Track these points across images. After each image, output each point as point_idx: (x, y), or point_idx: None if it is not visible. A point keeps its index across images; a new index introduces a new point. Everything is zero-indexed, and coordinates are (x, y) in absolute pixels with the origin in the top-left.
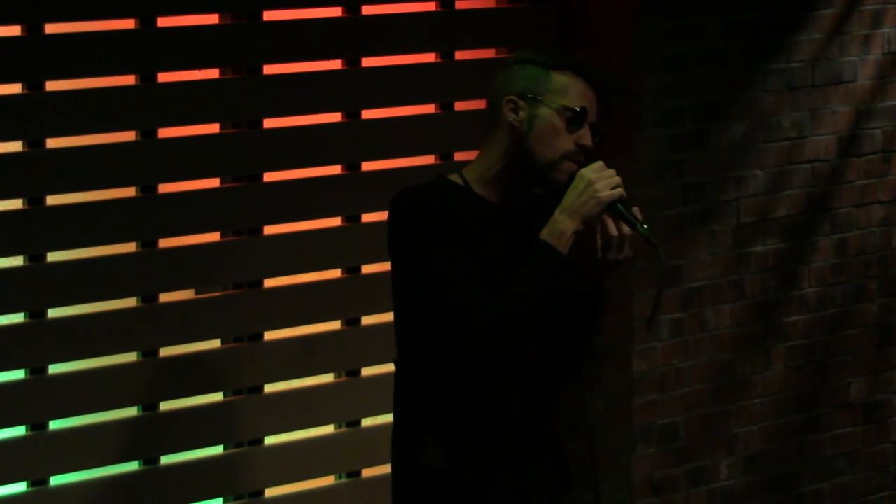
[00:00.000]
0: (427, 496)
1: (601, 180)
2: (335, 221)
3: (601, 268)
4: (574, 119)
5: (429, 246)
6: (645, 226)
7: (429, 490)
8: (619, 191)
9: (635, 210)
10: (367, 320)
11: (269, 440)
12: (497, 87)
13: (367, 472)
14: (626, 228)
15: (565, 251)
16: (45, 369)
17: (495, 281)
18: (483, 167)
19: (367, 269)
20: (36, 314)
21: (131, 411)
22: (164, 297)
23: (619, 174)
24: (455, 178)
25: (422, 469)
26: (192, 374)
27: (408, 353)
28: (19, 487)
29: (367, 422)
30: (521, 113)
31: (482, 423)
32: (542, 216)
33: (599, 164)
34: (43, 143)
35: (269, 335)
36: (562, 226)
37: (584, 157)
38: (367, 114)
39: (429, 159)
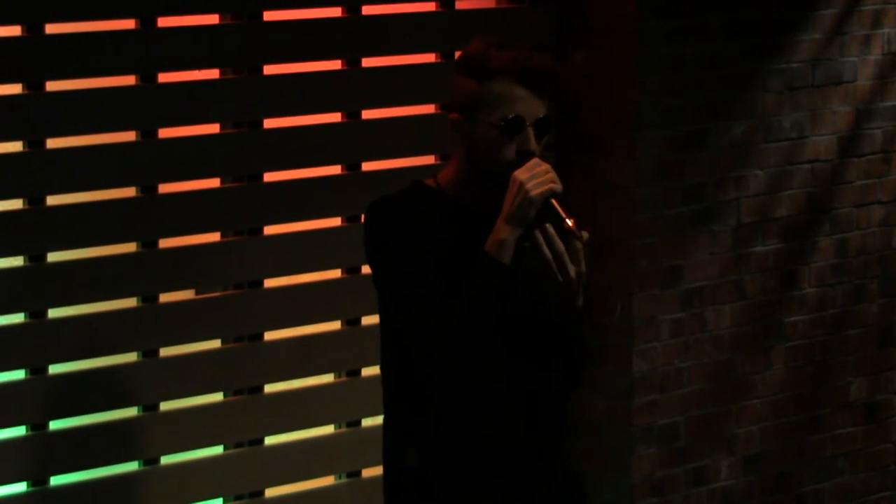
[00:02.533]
0: (410, 497)
1: (532, 179)
2: (335, 221)
3: (565, 294)
4: (509, 128)
5: (396, 263)
6: (570, 220)
7: (411, 491)
8: (551, 186)
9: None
10: (367, 320)
11: (269, 440)
12: (448, 96)
13: (367, 472)
14: (559, 246)
15: (507, 259)
16: (45, 369)
17: (461, 285)
18: (453, 172)
19: (367, 269)
20: (36, 314)
21: (131, 411)
22: (164, 297)
23: (618, 174)
24: (430, 182)
25: (405, 470)
26: (192, 374)
27: (387, 356)
28: (19, 487)
29: (367, 422)
30: (463, 130)
31: (458, 427)
32: None
33: (534, 161)
34: (43, 143)
35: (269, 335)
36: (502, 234)
37: (530, 160)
38: (367, 114)
39: (429, 159)
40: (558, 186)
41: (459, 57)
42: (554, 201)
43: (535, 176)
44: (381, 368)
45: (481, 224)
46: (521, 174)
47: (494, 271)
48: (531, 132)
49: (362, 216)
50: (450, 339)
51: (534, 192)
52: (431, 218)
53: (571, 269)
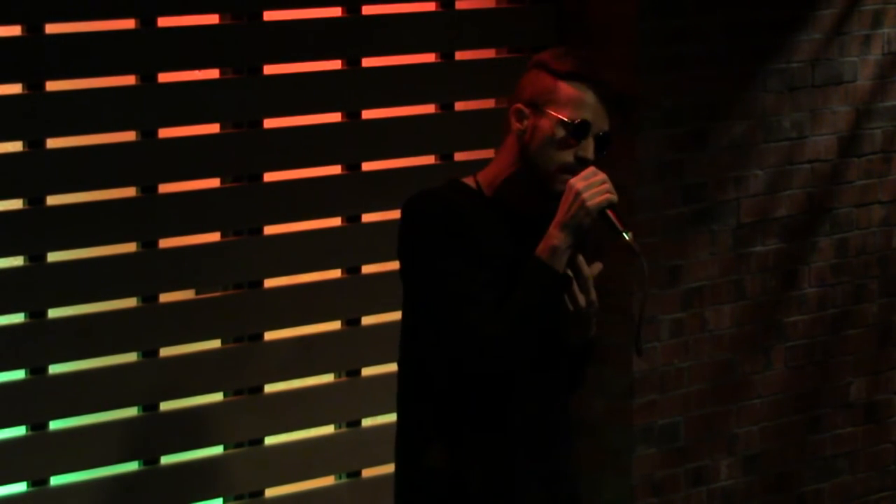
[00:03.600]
0: (430, 499)
1: (589, 188)
2: (335, 221)
3: (576, 322)
4: (574, 132)
5: (436, 257)
6: (628, 234)
7: (431, 493)
8: (608, 196)
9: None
10: (367, 320)
11: (269, 440)
12: (514, 91)
13: (367, 472)
14: (585, 271)
15: (560, 266)
16: (45, 369)
17: (502, 286)
18: (495, 171)
19: (367, 269)
20: (36, 314)
21: (131, 411)
22: (164, 297)
23: (618, 174)
24: (469, 181)
25: (425, 471)
26: (192, 374)
27: (411, 354)
28: (19, 487)
29: (367, 422)
30: (526, 122)
31: (484, 428)
32: (548, 221)
33: (591, 170)
34: (43, 143)
35: (269, 335)
36: (555, 241)
37: (587, 169)
38: (367, 114)
39: (429, 159)
40: (615, 197)
41: (539, 55)
42: (610, 213)
43: (593, 185)
44: (401, 364)
45: (519, 226)
46: (577, 182)
47: (548, 278)
48: (592, 142)
49: (401, 212)
50: (496, 343)
51: (591, 203)
52: (470, 216)
53: (581, 300)
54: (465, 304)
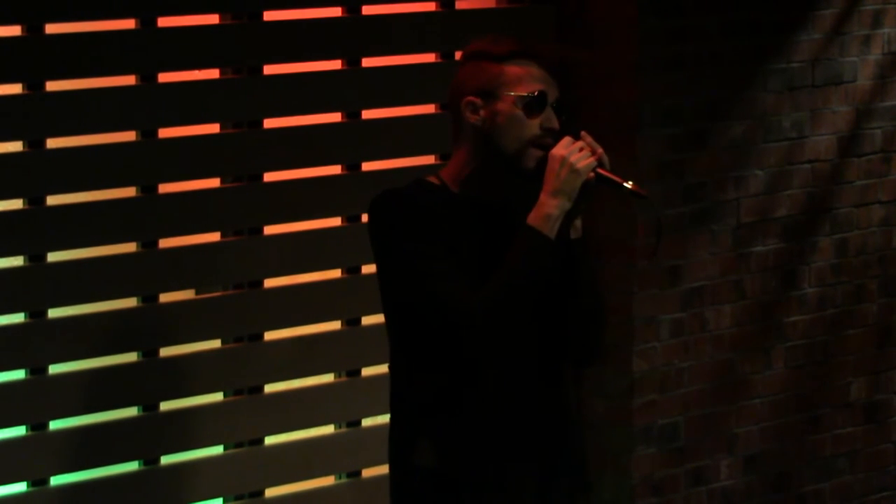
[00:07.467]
0: (421, 497)
1: (573, 153)
2: (335, 221)
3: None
4: (533, 105)
5: (409, 246)
6: (629, 182)
7: (422, 491)
8: (594, 158)
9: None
10: (367, 320)
11: (269, 440)
12: (454, 89)
13: (367, 472)
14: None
15: (552, 234)
16: (45, 369)
17: (472, 277)
18: (457, 167)
19: (367, 269)
20: (36, 314)
21: (131, 411)
22: (164, 297)
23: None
24: (433, 179)
25: (415, 470)
26: (192, 374)
27: (399, 352)
28: (19, 487)
29: (367, 422)
30: (481, 112)
31: (473, 424)
32: (519, 210)
33: (566, 139)
34: (43, 143)
35: (269, 335)
36: (547, 209)
37: (552, 139)
38: (367, 114)
39: (429, 159)
40: (601, 157)
41: (470, 47)
42: (602, 171)
43: (575, 150)
44: (390, 364)
45: (487, 219)
46: (559, 150)
47: (541, 246)
48: (553, 111)
49: (367, 212)
50: (481, 313)
51: (580, 164)
52: (435, 212)
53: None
54: (449, 285)
